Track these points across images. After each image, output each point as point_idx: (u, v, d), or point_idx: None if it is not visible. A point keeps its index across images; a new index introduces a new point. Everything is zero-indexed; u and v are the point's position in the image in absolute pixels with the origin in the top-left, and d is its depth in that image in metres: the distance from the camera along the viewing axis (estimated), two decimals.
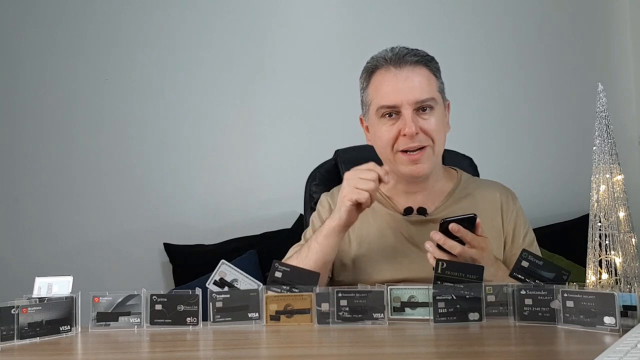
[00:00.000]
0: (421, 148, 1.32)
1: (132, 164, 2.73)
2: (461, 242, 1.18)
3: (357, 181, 1.24)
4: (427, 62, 1.34)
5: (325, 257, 1.29)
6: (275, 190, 2.70)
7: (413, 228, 1.39)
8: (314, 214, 1.50)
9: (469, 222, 1.19)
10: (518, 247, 1.38)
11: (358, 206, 1.26)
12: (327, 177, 1.69)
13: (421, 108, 1.31)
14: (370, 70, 1.37)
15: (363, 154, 1.50)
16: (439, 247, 1.18)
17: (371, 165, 1.25)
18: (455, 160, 1.67)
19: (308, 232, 1.48)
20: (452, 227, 1.17)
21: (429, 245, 1.19)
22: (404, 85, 1.30)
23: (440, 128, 1.34)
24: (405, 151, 1.32)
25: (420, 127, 1.30)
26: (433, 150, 1.34)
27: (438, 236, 1.18)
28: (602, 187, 1.01)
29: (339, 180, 1.66)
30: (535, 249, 1.40)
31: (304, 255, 1.29)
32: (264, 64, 2.77)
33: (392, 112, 1.32)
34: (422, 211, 1.39)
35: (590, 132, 1.04)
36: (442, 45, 2.71)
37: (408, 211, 1.40)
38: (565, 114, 2.78)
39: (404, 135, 1.30)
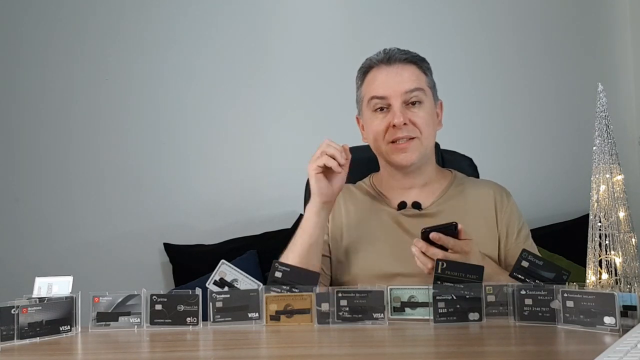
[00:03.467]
0: (410, 139, 1.36)
1: (132, 164, 2.73)
2: (444, 248, 1.19)
3: (324, 147, 1.28)
4: (417, 61, 1.41)
5: (310, 239, 1.31)
6: (275, 190, 2.70)
7: (408, 221, 1.41)
8: None
9: (451, 229, 1.20)
10: (513, 243, 1.40)
11: (327, 172, 1.30)
12: None
13: (411, 102, 1.37)
14: (364, 71, 1.43)
15: (363, 154, 1.50)
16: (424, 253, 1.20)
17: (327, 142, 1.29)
18: (455, 160, 1.67)
19: None
20: (433, 236, 1.18)
21: (415, 250, 1.21)
22: (394, 79, 1.37)
23: (429, 122, 1.39)
24: (394, 142, 1.37)
25: (409, 118, 1.35)
26: (421, 142, 1.38)
27: (420, 244, 1.19)
28: (602, 187, 1.01)
29: None
30: (531, 245, 1.42)
31: (292, 243, 1.33)
32: (264, 64, 2.77)
33: (382, 105, 1.37)
34: (416, 205, 1.42)
35: (590, 132, 1.04)
36: (443, 45, 2.73)
37: (402, 206, 1.42)
38: (565, 114, 2.77)
39: (394, 126, 1.35)
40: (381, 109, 1.38)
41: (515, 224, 1.43)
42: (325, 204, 1.32)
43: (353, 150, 1.71)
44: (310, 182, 1.31)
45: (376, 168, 1.50)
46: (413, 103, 1.37)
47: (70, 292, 1.09)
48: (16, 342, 1.01)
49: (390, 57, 1.39)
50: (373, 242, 1.41)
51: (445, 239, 1.19)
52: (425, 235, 1.19)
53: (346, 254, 1.42)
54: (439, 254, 1.17)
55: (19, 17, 2.74)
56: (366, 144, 1.48)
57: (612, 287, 0.99)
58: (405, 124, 1.34)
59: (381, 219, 1.43)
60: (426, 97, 1.38)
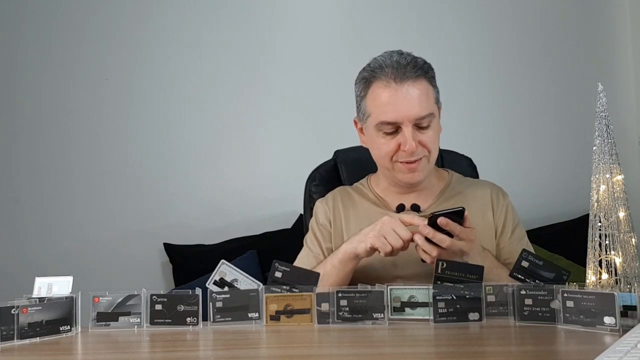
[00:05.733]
0: (419, 159, 1.34)
1: (132, 164, 2.74)
2: (450, 235, 1.19)
3: (389, 232, 1.23)
4: (425, 73, 1.33)
5: (340, 281, 1.30)
6: (275, 190, 2.70)
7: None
8: (312, 220, 1.51)
9: (457, 215, 1.20)
10: (506, 241, 1.40)
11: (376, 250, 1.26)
12: (326, 177, 1.69)
13: (420, 123, 1.32)
14: (368, 80, 1.35)
15: (363, 155, 1.50)
16: (428, 240, 1.19)
17: (415, 219, 1.23)
18: (455, 160, 1.67)
19: (309, 238, 1.49)
20: (441, 220, 1.17)
21: (417, 238, 1.20)
22: (404, 103, 1.30)
23: (436, 139, 1.37)
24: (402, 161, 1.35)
25: (419, 140, 1.32)
26: (428, 159, 1.36)
27: (427, 230, 1.18)
28: (602, 187, 1.01)
29: (338, 181, 1.66)
30: (527, 245, 1.42)
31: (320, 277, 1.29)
32: (263, 64, 2.77)
33: (391, 128, 1.33)
34: (415, 208, 1.42)
35: (590, 132, 1.04)
36: (443, 44, 2.73)
37: (400, 208, 1.42)
38: (565, 114, 2.78)
39: (404, 150, 1.32)
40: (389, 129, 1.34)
41: (510, 222, 1.43)
42: (361, 258, 1.30)
43: (354, 150, 1.71)
44: (359, 245, 1.26)
45: (375, 168, 1.49)
46: (422, 124, 1.32)
47: (70, 292, 1.09)
48: (16, 342, 1.01)
49: (401, 74, 1.30)
50: None
51: (453, 225, 1.18)
52: (431, 222, 1.19)
53: None
54: (446, 240, 1.17)
55: (19, 17, 2.74)
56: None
57: (612, 287, 0.99)
58: (416, 148, 1.31)
59: None
60: (434, 117, 1.34)
